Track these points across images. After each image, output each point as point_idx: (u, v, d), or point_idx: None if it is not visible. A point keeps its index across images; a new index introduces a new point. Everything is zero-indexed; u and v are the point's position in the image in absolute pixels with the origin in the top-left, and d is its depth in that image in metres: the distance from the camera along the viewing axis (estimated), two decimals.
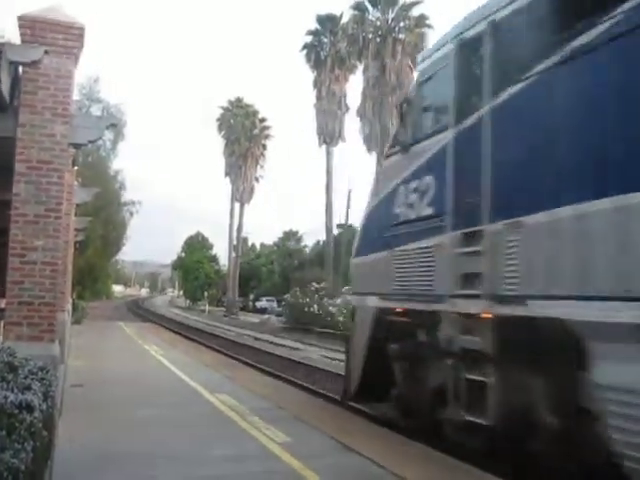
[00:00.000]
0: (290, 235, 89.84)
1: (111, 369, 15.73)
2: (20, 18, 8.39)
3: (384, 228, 9.75)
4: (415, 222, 8.88)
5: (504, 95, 7.21)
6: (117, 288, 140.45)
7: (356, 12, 46.80)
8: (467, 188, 7.64)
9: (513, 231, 6.78)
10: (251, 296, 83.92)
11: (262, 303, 75.76)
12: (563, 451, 6.54)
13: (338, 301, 41.14)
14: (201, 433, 8.81)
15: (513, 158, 7.04)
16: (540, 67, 6.70)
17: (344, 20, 49.50)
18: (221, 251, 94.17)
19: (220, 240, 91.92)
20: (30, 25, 8.39)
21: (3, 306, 8.43)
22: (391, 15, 45.98)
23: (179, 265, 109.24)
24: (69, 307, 20.35)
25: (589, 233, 5.86)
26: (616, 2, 5.84)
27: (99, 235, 45.79)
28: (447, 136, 8.26)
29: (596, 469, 6.12)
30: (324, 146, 51.60)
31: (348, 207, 55.13)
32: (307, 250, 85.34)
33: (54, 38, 8.48)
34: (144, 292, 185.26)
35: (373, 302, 9.94)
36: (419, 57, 9.78)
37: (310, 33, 52.56)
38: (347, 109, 50.97)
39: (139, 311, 74.62)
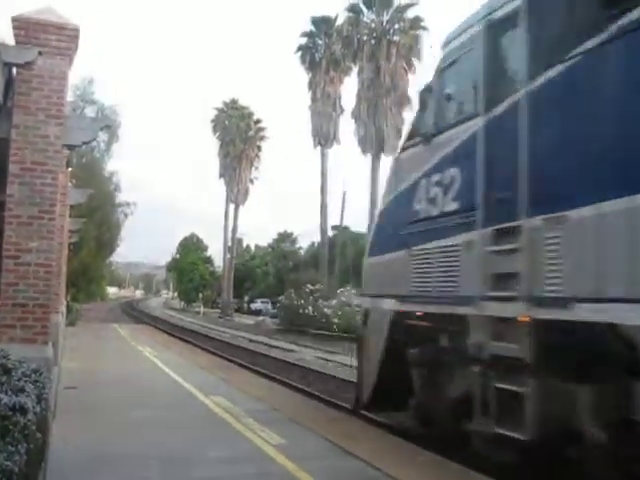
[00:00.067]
0: (285, 237, 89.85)
1: (105, 371, 15.68)
2: (14, 19, 8.38)
3: (402, 225, 9.10)
4: (438, 218, 8.20)
5: (545, 77, 6.51)
6: (111, 290, 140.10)
7: (351, 14, 46.90)
8: (501, 180, 7.01)
9: (555, 227, 6.16)
10: (246, 298, 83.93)
11: (257, 305, 75.82)
12: (608, 466, 6.04)
13: (333, 303, 41.14)
14: (195, 435, 8.79)
15: (555, 146, 6.37)
16: (588, 45, 6.01)
17: (339, 22, 49.62)
18: (216, 252, 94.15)
19: (215, 241, 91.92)
20: (24, 26, 8.39)
21: None
22: (386, 17, 46.07)
23: (174, 267, 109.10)
24: (63, 309, 20.31)
25: None
26: None
27: (93, 236, 45.67)
28: (476, 124, 7.57)
29: None
30: (319, 148, 51.63)
31: (343, 209, 55.14)
32: (302, 252, 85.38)
33: (48, 39, 8.47)
34: (138, 294, 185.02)
35: (389, 304, 9.31)
36: (442, 42, 8.90)
37: (305, 35, 52.61)
38: (342, 111, 51.03)
39: (133, 313, 74.45)
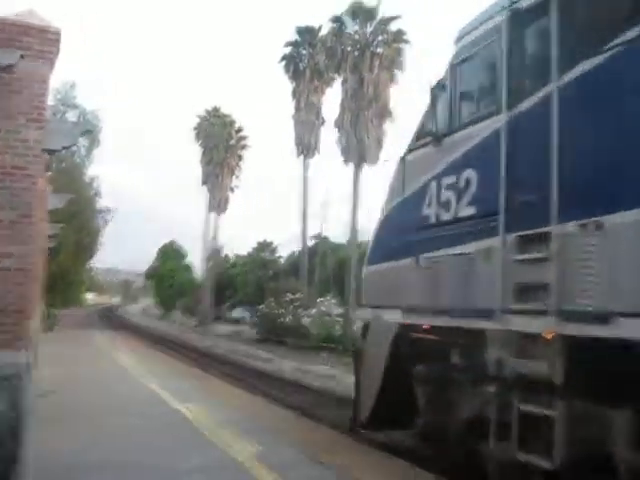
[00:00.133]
0: (265, 246, 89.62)
1: (81, 378, 15.57)
2: None
3: (408, 232, 8.47)
4: (451, 224, 7.58)
5: (580, 70, 5.93)
6: (89, 296, 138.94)
7: (335, 25, 47.00)
8: (527, 182, 6.40)
9: (592, 233, 5.57)
10: (225, 306, 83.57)
11: (236, 313, 75.49)
12: None
13: (312, 312, 41.14)
14: (170, 444, 8.74)
15: (592, 145, 5.80)
16: (633, 32, 5.47)
17: (323, 32, 49.75)
18: (196, 260, 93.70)
19: (195, 249, 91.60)
20: (5, 29, 8.32)
21: None
22: (369, 29, 46.18)
23: (153, 274, 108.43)
24: (40, 314, 20.12)
25: None
26: None
27: (72, 242, 45.27)
28: (497, 122, 6.94)
29: None
30: (301, 157, 51.64)
31: (323, 218, 55.16)
32: (282, 261, 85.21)
33: (30, 42, 8.42)
34: (117, 300, 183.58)
35: (394, 316, 8.63)
36: (454, 37, 8.24)
37: (289, 44, 52.68)
38: (324, 121, 51.12)
39: (111, 319, 74.03)
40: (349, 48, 45.79)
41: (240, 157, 70.64)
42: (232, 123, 71.06)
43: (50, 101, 11.59)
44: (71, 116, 44.66)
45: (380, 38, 45.90)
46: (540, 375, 6.06)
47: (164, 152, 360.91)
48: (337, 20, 46.70)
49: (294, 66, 51.94)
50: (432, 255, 7.85)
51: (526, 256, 6.30)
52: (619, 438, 5.61)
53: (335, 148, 46.25)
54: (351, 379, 11.05)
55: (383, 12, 45.55)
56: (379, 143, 43.33)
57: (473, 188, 7.25)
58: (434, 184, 8.01)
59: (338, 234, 59.01)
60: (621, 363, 5.32)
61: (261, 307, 48.85)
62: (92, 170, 54.35)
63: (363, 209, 65.49)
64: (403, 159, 9.27)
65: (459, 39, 8.14)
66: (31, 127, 8.38)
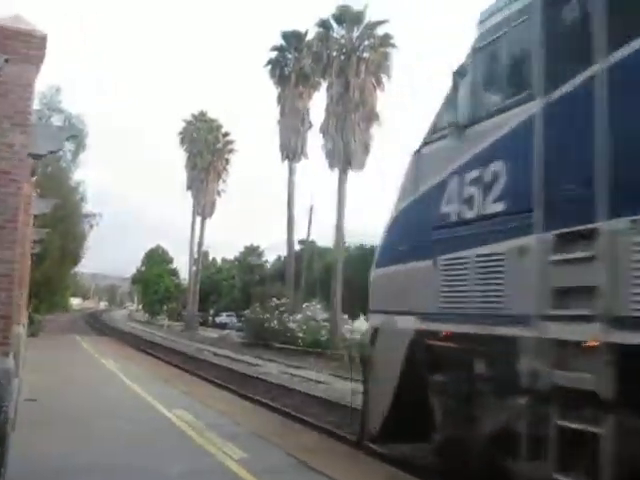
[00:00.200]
0: (251, 250, 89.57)
1: (67, 383, 15.46)
2: None
3: (424, 231, 7.88)
4: (476, 222, 6.96)
5: (633, 47, 5.26)
6: (75, 301, 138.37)
7: (321, 29, 47.02)
8: (568, 174, 5.78)
9: None
10: (211, 311, 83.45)
11: (222, 318, 75.40)
12: None
13: (298, 317, 41.12)
14: (158, 448, 8.72)
15: None
16: None
17: (309, 37, 49.76)
18: (182, 265, 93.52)
19: (181, 254, 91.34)
20: None
21: None
22: (356, 33, 46.27)
23: (138, 278, 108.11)
24: (25, 320, 19.99)
25: None
26: None
27: (57, 247, 45.04)
28: (532, 108, 6.28)
29: None
30: (287, 162, 51.59)
31: (310, 223, 55.16)
32: (268, 265, 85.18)
33: (15, 46, 8.38)
34: (102, 305, 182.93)
35: (408, 323, 8.00)
36: (479, 16, 7.50)
37: (275, 49, 52.68)
38: (310, 126, 51.08)
39: (97, 325, 73.54)
40: (335, 53, 45.84)
41: (227, 161, 70.54)
42: (219, 127, 70.96)
43: (35, 105, 11.55)
44: (56, 120, 44.50)
45: (367, 42, 45.98)
46: (583, 387, 5.44)
47: (151, 155, 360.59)
48: (323, 24, 46.73)
49: (280, 71, 51.92)
50: (454, 256, 7.26)
51: (567, 256, 5.68)
52: None
53: (320, 153, 46.27)
54: (339, 384, 10.99)
55: (370, 16, 45.66)
56: (366, 147, 43.40)
57: (502, 182, 6.63)
58: (455, 179, 7.41)
59: (325, 238, 59.15)
60: None
61: (247, 312, 48.81)
62: (78, 175, 54.26)
63: (350, 213, 65.54)
64: (417, 153, 8.63)
65: (482, 21, 7.48)
66: (16, 131, 8.34)
